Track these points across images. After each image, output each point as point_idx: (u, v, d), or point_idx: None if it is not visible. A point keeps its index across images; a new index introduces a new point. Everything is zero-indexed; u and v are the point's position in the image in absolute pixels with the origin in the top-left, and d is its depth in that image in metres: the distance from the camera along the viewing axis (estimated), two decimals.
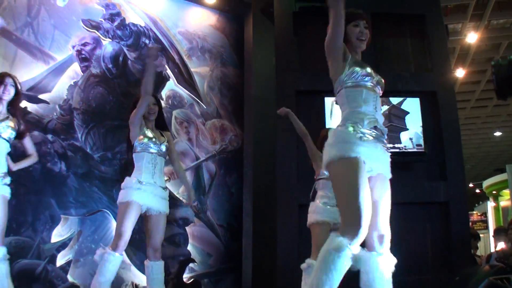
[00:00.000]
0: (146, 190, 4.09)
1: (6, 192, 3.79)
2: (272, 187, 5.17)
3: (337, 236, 2.54)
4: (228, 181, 6.85)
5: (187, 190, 4.57)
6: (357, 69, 2.84)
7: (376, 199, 2.76)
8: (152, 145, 4.22)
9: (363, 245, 2.66)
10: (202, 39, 6.98)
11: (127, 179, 4.19)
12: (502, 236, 6.53)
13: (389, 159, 2.86)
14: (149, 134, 4.26)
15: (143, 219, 4.23)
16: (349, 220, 2.57)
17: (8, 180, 3.84)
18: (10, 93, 3.98)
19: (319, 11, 6.74)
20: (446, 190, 6.21)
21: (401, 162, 6.29)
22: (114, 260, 3.93)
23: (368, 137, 2.72)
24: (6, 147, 3.89)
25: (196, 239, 6.41)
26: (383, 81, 2.96)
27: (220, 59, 7.10)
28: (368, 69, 2.87)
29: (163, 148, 4.29)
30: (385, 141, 2.85)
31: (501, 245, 6.77)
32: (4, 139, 3.85)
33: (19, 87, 4.07)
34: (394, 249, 5.99)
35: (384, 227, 2.80)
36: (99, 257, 3.95)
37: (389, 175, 2.86)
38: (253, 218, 6.41)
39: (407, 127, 6.17)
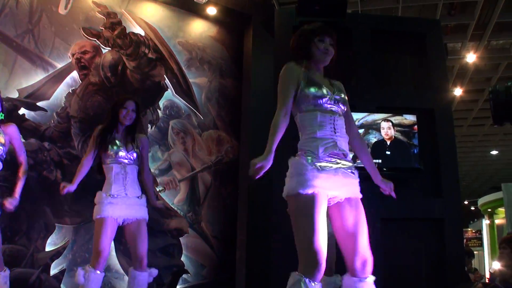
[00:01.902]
0: (118, 203, 4.01)
1: None
2: (267, 199, 5.16)
3: (297, 275, 2.54)
4: (223, 193, 6.85)
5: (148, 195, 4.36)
6: (311, 90, 2.77)
7: (350, 225, 2.74)
8: (120, 153, 4.11)
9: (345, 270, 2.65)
10: (202, 50, 7.01)
11: (98, 193, 4.14)
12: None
13: (356, 179, 2.82)
14: (117, 142, 4.14)
15: (123, 231, 4.14)
16: (307, 260, 2.55)
17: None
18: None
19: None
20: (441, 207, 6.20)
21: (396, 178, 6.31)
22: (96, 279, 3.84)
23: (325, 166, 2.67)
24: None
25: (190, 250, 6.40)
26: (345, 97, 2.88)
27: (219, 71, 7.12)
28: (324, 90, 2.79)
29: (134, 155, 4.17)
30: (349, 162, 2.79)
31: (496, 264, 6.75)
32: None
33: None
34: (388, 265, 6.00)
35: (365, 251, 2.78)
36: (81, 277, 3.84)
37: (359, 195, 2.83)
38: (247, 230, 6.39)
39: (416, 144, 6.18)
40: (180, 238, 6.29)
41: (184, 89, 6.71)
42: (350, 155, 2.86)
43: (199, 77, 6.94)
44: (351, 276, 2.71)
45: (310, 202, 2.57)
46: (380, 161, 6.11)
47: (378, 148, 6.14)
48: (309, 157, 2.69)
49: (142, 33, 6.50)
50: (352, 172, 2.81)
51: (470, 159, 19.21)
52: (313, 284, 2.48)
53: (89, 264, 3.91)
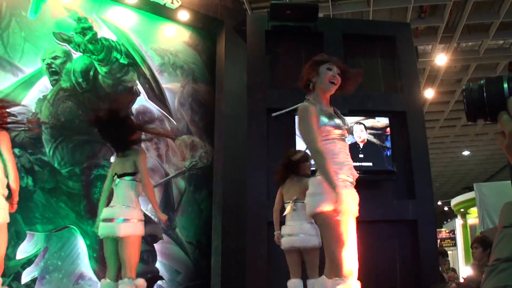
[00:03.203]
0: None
1: None
2: (241, 204, 5.17)
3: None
4: (197, 198, 6.83)
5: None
6: (326, 121, 2.94)
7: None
8: None
9: None
10: (174, 55, 6.98)
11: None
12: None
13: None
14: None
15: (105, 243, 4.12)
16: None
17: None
18: None
19: (291, 30, 6.82)
20: (415, 208, 6.27)
21: (370, 180, 6.36)
22: None
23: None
24: None
25: (164, 256, 6.36)
26: (349, 126, 3.08)
27: (191, 76, 7.11)
28: (337, 120, 2.97)
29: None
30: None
31: (468, 270, 6.85)
32: None
33: None
34: (363, 267, 6.02)
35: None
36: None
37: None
38: (222, 235, 6.38)
39: (389, 146, 6.24)
40: (154, 245, 6.25)
41: (157, 94, 6.68)
42: None
43: (172, 82, 6.91)
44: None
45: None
46: (354, 163, 6.14)
47: (351, 151, 6.17)
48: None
49: (114, 38, 6.45)
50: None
51: (442, 160, 19.45)
52: None
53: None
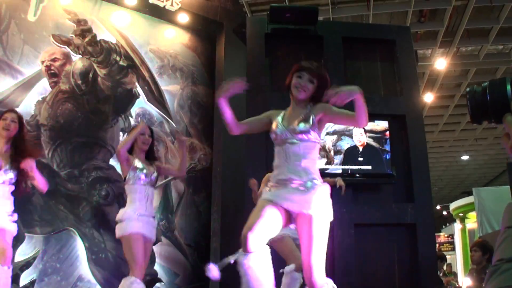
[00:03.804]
0: (142, 221, 4.32)
1: (13, 228, 4.09)
2: (240, 206, 5.16)
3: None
4: (196, 200, 6.81)
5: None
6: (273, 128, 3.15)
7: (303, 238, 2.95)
8: (143, 176, 4.43)
9: None
10: (174, 57, 6.97)
11: (124, 211, 4.36)
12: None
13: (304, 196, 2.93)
14: (139, 165, 4.45)
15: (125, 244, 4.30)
16: None
17: (15, 217, 4.11)
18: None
19: (291, 33, 6.82)
20: (413, 212, 6.27)
21: (369, 184, 6.36)
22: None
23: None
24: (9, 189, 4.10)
25: (163, 258, 6.34)
26: (296, 127, 3.06)
27: (191, 78, 7.10)
28: (280, 126, 3.11)
29: (153, 178, 4.55)
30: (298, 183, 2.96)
31: (467, 281, 6.84)
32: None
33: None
34: (362, 270, 6.03)
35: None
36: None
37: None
38: (221, 238, 6.36)
39: (388, 150, 6.23)
40: (153, 247, 6.23)
41: (156, 97, 6.66)
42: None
43: (171, 85, 6.90)
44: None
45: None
46: (352, 167, 6.15)
47: (351, 154, 6.19)
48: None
49: (113, 40, 6.44)
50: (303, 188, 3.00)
51: (441, 164, 19.46)
52: None
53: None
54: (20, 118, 4.21)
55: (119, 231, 4.30)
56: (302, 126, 3.06)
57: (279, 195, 2.94)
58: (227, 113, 3.34)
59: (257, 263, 2.92)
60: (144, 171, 4.45)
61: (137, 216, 4.29)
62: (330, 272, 6.11)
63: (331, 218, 3.00)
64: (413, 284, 6.08)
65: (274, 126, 3.13)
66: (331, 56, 6.74)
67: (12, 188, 4.10)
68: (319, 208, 2.91)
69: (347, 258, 6.05)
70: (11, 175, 4.05)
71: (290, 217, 3.00)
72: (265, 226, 2.89)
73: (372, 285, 6.08)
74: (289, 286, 4.53)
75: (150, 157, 4.67)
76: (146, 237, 4.33)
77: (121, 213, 4.35)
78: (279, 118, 3.17)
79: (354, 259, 6.06)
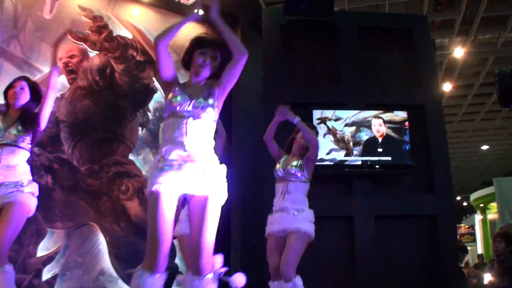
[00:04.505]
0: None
1: (27, 202, 3.67)
2: (260, 199, 5.15)
3: (139, 270, 2.59)
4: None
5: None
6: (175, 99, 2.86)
7: (196, 223, 2.77)
8: None
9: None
10: None
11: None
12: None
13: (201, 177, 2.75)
14: None
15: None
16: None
17: (33, 189, 3.75)
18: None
19: (307, 24, 6.79)
20: (434, 203, 6.23)
21: (388, 175, 6.32)
22: None
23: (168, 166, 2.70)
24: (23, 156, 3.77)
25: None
26: (200, 101, 2.90)
27: None
28: (191, 96, 2.86)
29: None
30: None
31: (488, 277, 6.76)
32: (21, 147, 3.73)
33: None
34: (383, 262, 5.99)
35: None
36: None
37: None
38: (241, 231, 6.35)
39: (407, 140, 6.19)
40: (173, 240, 6.24)
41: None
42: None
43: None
44: (192, 274, 2.74)
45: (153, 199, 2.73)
46: (372, 158, 6.11)
47: (370, 145, 6.15)
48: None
49: (130, 36, 6.45)
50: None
51: (461, 154, 19.30)
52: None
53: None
54: (32, 85, 3.98)
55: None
56: (202, 101, 2.92)
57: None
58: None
59: None
60: None
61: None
62: (350, 264, 6.12)
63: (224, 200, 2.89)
64: (434, 276, 6.05)
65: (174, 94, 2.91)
66: (347, 47, 6.70)
67: (28, 155, 3.82)
68: (216, 189, 2.82)
69: (368, 250, 6.02)
70: (25, 141, 3.76)
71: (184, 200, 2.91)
72: None
73: (393, 277, 6.05)
74: None
75: None
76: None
77: None
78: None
79: (374, 251, 6.04)
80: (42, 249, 5.34)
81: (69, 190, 5.58)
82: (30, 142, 3.77)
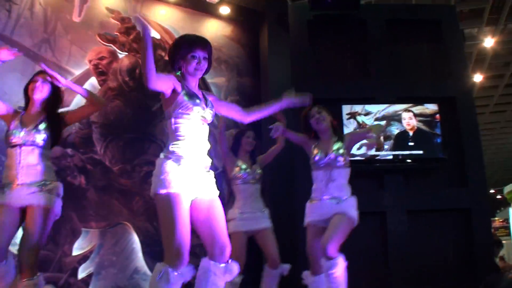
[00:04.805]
0: (246, 219, 4.58)
1: (47, 203, 3.36)
2: (290, 196, 5.15)
3: (162, 265, 2.67)
4: None
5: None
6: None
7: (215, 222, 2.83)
8: (245, 175, 4.70)
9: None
10: (218, 50, 6.98)
11: (229, 212, 4.62)
12: None
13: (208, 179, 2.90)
14: (242, 165, 4.72)
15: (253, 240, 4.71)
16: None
17: (54, 187, 3.45)
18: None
19: (333, 19, 6.75)
20: (467, 197, 6.14)
21: (420, 169, 6.24)
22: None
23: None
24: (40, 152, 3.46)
25: None
26: (210, 111, 2.98)
27: (236, 70, 7.10)
28: (197, 100, 2.91)
29: (257, 175, 4.74)
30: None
31: None
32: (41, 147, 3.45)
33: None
34: (417, 257, 5.93)
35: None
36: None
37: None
38: (273, 228, 6.34)
39: (439, 133, 6.11)
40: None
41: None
42: None
43: (217, 77, 6.92)
44: (209, 259, 2.79)
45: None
46: (403, 152, 6.05)
47: (401, 139, 6.09)
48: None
49: (158, 36, 6.51)
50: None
51: (493, 146, 18.97)
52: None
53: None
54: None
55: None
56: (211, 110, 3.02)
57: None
58: None
59: None
60: (248, 170, 4.71)
61: (240, 216, 4.59)
62: (383, 260, 6.07)
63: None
64: (469, 271, 5.96)
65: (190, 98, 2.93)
66: (375, 40, 6.65)
67: (49, 153, 3.57)
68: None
69: (401, 245, 5.97)
70: (41, 136, 3.45)
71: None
72: None
73: (426, 272, 5.99)
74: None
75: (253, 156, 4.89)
76: (256, 229, 4.64)
77: (228, 214, 4.59)
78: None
79: (407, 246, 5.98)
80: (77, 249, 5.45)
81: (102, 190, 5.67)
82: (51, 141, 3.51)
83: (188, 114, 2.86)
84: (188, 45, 2.92)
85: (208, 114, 2.96)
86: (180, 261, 2.64)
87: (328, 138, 4.16)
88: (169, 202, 2.69)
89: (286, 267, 4.71)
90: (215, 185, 2.94)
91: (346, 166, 4.05)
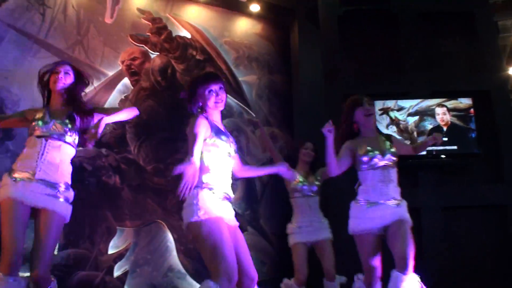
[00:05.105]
0: (304, 232, 4.62)
1: (62, 210, 3.14)
2: (324, 195, 5.12)
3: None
4: (279, 189, 6.80)
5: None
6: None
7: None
8: (304, 187, 4.70)
9: None
10: (248, 47, 7.00)
11: (288, 226, 4.79)
12: None
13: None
14: (299, 177, 4.71)
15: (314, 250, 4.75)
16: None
17: (69, 194, 3.21)
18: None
19: (364, 14, 6.68)
20: (504, 193, 6.01)
21: (455, 165, 6.15)
22: None
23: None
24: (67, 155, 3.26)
25: (249, 247, 6.37)
26: (234, 146, 3.15)
27: (267, 67, 7.10)
28: (223, 137, 3.05)
29: (314, 188, 4.72)
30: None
31: None
32: (67, 143, 3.22)
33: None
34: (452, 255, 5.83)
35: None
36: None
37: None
38: None
39: (473, 128, 6.01)
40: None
41: (234, 88, 6.72)
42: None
43: (248, 75, 6.93)
44: None
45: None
46: (437, 148, 5.97)
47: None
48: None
49: (189, 36, 6.56)
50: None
51: None
52: None
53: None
54: (76, 70, 3.47)
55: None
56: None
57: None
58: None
59: None
60: (305, 183, 4.72)
61: (298, 230, 4.69)
62: (418, 257, 5.99)
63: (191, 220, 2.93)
64: (506, 269, 5.85)
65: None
66: (407, 35, 6.56)
67: (73, 153, 3.29)
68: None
69: (435, 242, 5.88)
70: (70, 131, 3.22)
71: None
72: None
73: (462, 270, 5.90)
74: None
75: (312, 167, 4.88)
76: (315, 240, 4.67)
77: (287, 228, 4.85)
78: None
79: (442, 244, 5.90)
80: (113, 247, 5.54)
81: (137, 189, 5.75)
82: (76, 137, 3.26)
83: (217, 149, 3.00)
84: (202, 83, 3.05)
85: (233, 149, 3.12)
86: (231, 282, 2.72)
87: (374, 135, 3.81)
88: (213, 225, 2.79)
89: (342, 279, 4.69)
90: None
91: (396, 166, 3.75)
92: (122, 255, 5.59)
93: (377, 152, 3.65)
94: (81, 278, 5.19)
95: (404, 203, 3.74)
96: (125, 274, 5.56)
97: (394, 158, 3.69)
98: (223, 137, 3.03)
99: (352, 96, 3.86)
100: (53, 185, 3.07)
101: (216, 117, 3.10)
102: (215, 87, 3.04)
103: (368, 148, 3.67)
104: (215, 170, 2.95)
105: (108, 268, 5.47)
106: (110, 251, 5.54)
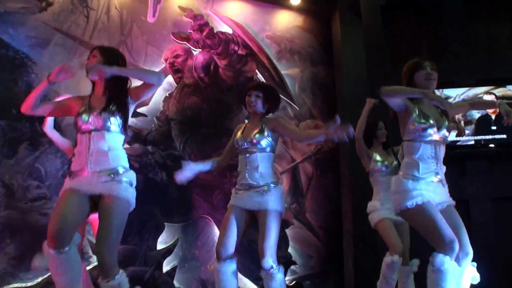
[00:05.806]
0: (386, 209, 4.51)
1: (122, 194, 3.02)
2: (370, 186, 5.08)
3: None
4: (325, 182, 6.78)
5: None
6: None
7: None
8: (383, 168, 4.68)
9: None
10: (290, 41, 6.97)
11: (369, 204, 4.78)
12: None
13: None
14: (378, 157, 4.73)
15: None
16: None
17: (130, 177, 3.10)
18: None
19: (407, 3, 6.57)
20: None
21: (505, 154, 5.99)
22: None
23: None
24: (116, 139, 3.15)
25: (296, 241, 6.41)
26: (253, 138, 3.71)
27: (309, 60, 7.05)
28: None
29: (395, 167, 4.62)
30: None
31: None
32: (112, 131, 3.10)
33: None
34: (501, 246, 5.69)
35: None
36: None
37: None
38: (352, 219, 6.29)
39: None
40: (285, 230, 6.32)
41: (277, 82, 6.70)
42: None
43: (291, 68, 6.91)
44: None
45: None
46: (486, 137, 5.83)
47: (483, 123, 5.88)
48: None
49: (230, 31, 6.58)
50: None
51: None
52: None
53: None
54: (102, 50, 3.27)
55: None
56: (257, 136, 3.64)
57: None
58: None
59: (226, 270, 3.55)
60: (385, 163, 4.70)
61: (380, 207, 4.62)
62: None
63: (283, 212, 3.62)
64: None
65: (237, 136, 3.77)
66: (451, 22, 6.42)
67: (122, 138, 3.19)
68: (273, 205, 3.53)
69: (485, 234, 5.75)
70: (111, 118, 3.08)
71: (253, 216, 3.67)
72: (232, 236, 3.66)
73: (507, 268, 5.76)
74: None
75: (386, 145, 4.89)
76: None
77: (368, 207, 4.80)
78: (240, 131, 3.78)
79: (492, 235, 5.77)
80: (161, 243, 5.65)
81: (183, 185, 5.80)
82: (120, 120, 3.11)
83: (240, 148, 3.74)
84: (246, 91, 3.75)
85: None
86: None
87: (431, 105, 3.37)
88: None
89: (415, 263, 4.59)
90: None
91: None
92: (170, 250, 5.68)
93: (437, 122, 3.26)
94: (131, 274, 5.29)
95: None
96: (173, 269, 5.66)
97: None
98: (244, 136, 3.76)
99: (412, 60, 3.43)
100: (109, 172, 2.98)
101: (253, 121, 3.83)
102: (252, 93, 3.72)
103: (424, 116, 3.27)
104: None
105: (157, 263, 5.58)
106: (159, 247, 5.65)
